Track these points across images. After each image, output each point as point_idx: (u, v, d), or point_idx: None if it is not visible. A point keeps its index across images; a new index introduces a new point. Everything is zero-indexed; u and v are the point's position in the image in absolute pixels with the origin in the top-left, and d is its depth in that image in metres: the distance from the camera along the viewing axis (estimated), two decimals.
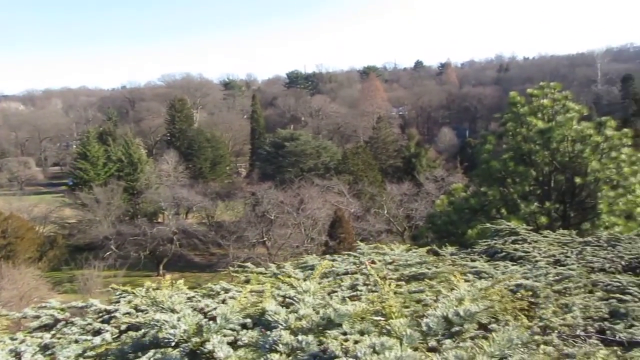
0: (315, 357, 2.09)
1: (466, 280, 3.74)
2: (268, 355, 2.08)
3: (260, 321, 2.53)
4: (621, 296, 4.42)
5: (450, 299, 2.29)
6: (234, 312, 2.54)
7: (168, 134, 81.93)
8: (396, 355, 1.87)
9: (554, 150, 15.81)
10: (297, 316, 2.31)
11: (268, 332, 2.25)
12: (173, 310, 2.68)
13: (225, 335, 2.55)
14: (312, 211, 43.12)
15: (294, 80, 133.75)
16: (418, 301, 3.24)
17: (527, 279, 4.22)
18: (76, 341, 3.50)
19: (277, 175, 58.66)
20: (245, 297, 3.13)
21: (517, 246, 6.81)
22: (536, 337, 2.89)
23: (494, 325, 2.71)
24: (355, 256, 5.26)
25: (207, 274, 41.11)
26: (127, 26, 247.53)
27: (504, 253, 6.55)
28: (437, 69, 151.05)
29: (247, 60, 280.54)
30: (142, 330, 3.05)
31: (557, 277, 4.51)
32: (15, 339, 3.54)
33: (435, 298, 3.27)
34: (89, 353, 3.33)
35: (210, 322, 2.44)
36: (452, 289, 2.56)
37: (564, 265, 5.38)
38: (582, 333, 3.30)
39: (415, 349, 2.04)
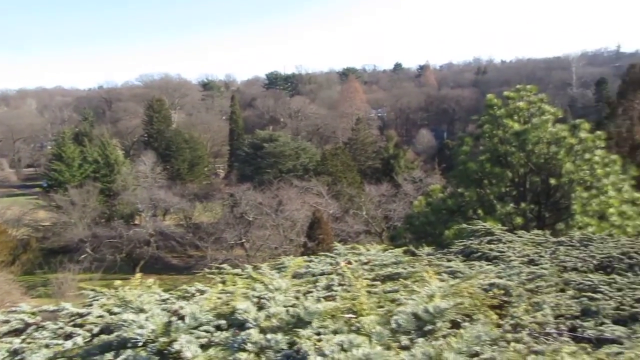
0: (289, 358, 2.08)
1: (441, 280, 3.77)
2: (237, 355, 2.06)
3: (233, 321, 2.50)
4: (592, 294, 4.49)
5: (420, 296, 2.30)
6: (203, 311, 2.51)
7: (146, 135, 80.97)
8: (364, 352, 1.87)
9: (529, 152, 16.04)
10: (267, 314, 2.29)
11: (240, 332, 2.23)
12: (142, 310, 2.64)
13: (199, 337, 2.52)
14: (291, 212, 43.03)
15: (273, 81, 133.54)
16: (392, 300, 3.25)
17: (501, 278, 4.28)
18: (47, 346, 3.43)
19: (256, 176, 58.42)
20: (215, 297, 3.10)
21: (492, 246, 6.89)
22: (507, 335, 2.93)
23: (466, 324, 2.73)
24: (332, 257, 5.27)
25: (185, 276, 40.71)
26: (105, 26, 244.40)
27: (479, 253, 6.62)
28: (416, 71, 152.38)
29: (226, 60, 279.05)
30: (115, 333, 3.01)
31: (529, 276, 4.58)
32: None
33: (409, 297, 3.28)
34: (60, 358, 3.26)
35: (179, 321, 2.40)
36: (423, 286, 2.57)
37: (537, 265, 5.45)
38: (553, 331, 3.35)
39: (388, 348, 2.04)
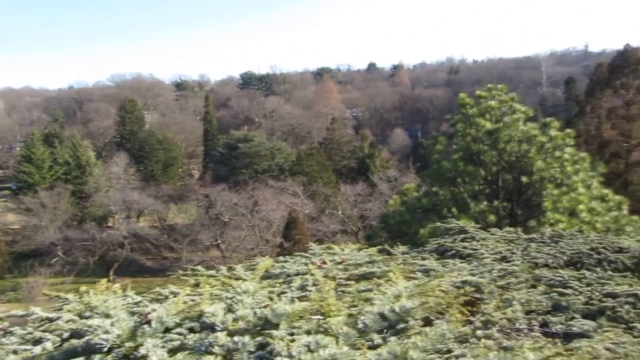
0: (262, 359, 2.07)
1: (414, 278, 3.80)
2: (204, 358, 2.04)
3: (200, 324, 2.48)
4: (563, 290, 4.58)
5: (387, 296, 2.31)
6: (170, 315, 2.49)
7: (118, 136, 79.74)
8: (330, 353, 1.87)
9: (501, 150, 16.26)
10: (234, 317, 2.28)
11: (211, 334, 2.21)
12: (107, 316, 2.60)
13: (172, 340, 2.50)
14: (267, 213, 42.91)
15: (248, 81, 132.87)
16: (366, 300, 3.26)
17: (474, 275, 4.33)
18: (15, 351, 3.35)
19: (231, 177, 58.06)
20: (182, 300, 3.07)
21: (466, 244, 6.97)
22: (478, 332, 2.97)
23: (438, 322, 2.76)
24: (307, 257, 5.27)
25: (160, 279, 40.24)
26: (74, 26, 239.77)
27: (453, 251, 6.68)
28: (390, 70, 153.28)
29: (200, 60, 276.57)
30: (85, 338, 2.96)
31: (500, 273, 4.64)
32: None
33: (378, 297, 3.31)
34: None
35: (145, 325, 2.38)
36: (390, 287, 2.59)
37: (509, 262, 5.54)
38: (524, 326, 3.41)
39: (357, 348, 2.05)
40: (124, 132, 77.33)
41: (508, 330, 3.18)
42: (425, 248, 7.25)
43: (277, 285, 4.03)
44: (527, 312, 3.85)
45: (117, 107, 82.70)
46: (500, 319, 3.30)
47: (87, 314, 3.59)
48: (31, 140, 63.30)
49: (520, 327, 3.37)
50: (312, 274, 4.00)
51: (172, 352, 2.30)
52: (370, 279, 3.97)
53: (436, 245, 7.19)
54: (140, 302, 3.87)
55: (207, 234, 43.50)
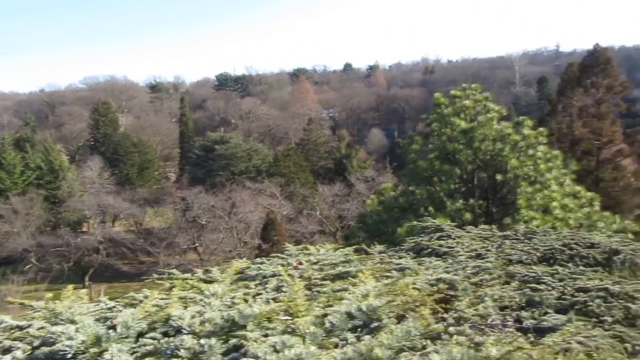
0: None
1: (387, 277, 3.83)
2: None
3: (167, 328, 2.46)
4: (536, 286, 4.66)
5: (355, 295, 2.32)
6: (136, 319, 2.46)
7: (92, 139, 78.45)
8: (296, 352, 1.87)
9: (476, 149, 16.44)
10: (201, 320, 2.26)
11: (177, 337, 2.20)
12: (72, 322, 2.56)
13: (145, 345, 2.47)
14: (244, 215, 42.72)
15: (224, 82, 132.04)
16: (341, 299, 3.27)
17: (448, 272, 4.37)
18: None
19: (208, 179, 57.67)
20: (149, 304, 3.04)
21: (442, 242, 7.02)
22: (450, 328, 3.00)
23: (417, 321, 2.78)
24: (283, 258, 5.26)
25: (137, 283, 39.72)
26: (46, 28, 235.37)
27: (429, 249, 6.74)
28: (366, 71, 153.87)
29: (175, 62, 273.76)
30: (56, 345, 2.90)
31: (474, 270, 4.70)
32: None
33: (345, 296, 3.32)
34: None
35: (110, 331, 2.34)
36: (360, 286, 2.60)
37: (484, 259, 5.61)
38: (498, 322, 3.46)
39: (326, 347, 2.05)
40: (97, 136, 76.12)
41: (482, 327, 3.22)
42: (402, 247, 7.29)
43: (253, 286, 4.02)
44: (502, 308, 3.90)
45: (90, 110, 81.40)
46: (473, 316, 3.35)
47: (53, 320, 3.53)
48: (2, 145, 61.84)
49: (494, 322, 3.41)
50: (289, 275, 3.99)
51: (140, 357, 2.27)
52: (345, 278, 3.98)
53: (413, 244, 7.24)
54: (114, 307, 3.82)
55: (185, 237, 43.14)
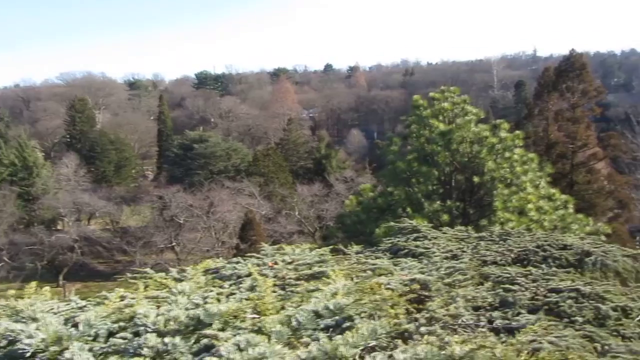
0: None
1: (361, 276, 3.83)
2: None
3: (132, 326, 2.42)
4: (510, 286, 4.70)
5: (324, 294, 2.32)
6: (100, 317, 2.42)
7: (68, 136, 77.21)
8: (260, 351, 1.86)
9: (454, 151, 16.58)
10: (166, 318, 2.23)
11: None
12: (33, 319, 2.50)
13: (115, 345, 2.43)
14: (223, 214, 42.49)
15: (203, 81, 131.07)
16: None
17: (423, 273, 4.40)
18: None
19: (186, 178, 57.26)
20: (113, 302, 3.00)
21: (418, 243, 7.05)
22: (421, 328, 3.02)
23: (382, 320, 2.79)
24: (259, 258, 5.23)
25: (112, 283, 39.20)
26: (22, 24, 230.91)
27: (406, 250, 6.76)
28: (346, 72, 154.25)
29: (154, 60, 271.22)
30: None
31: (448, 271, 4.74)
32: None
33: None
34: None
35: (72, 329, 2.30)
36: (329, 285, 2.60)
37: (459, 260, 5.65)
38: (468, 322, 3.49)
39: (291, 346, 2.04)
40: (74, 132, 74.97)
41: (454, 327, 3.25)
42: (379, 247, 7.31)
43: (227, 286, 3.99)
44: (475, 309, 3.93)
45: (66, 106, 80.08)
46: (444, 316, 3.37)
47: (14, 318, 3.45)
48: None
49: (466, 322, 3.44)
50: (263, 275, 3.98)
51: (102, 355, 2.23)
52: (320, 278, 3.98)
53: (390, 245, 7.25)
54: (85, 306, 3.76)
55: (162, 236, 42.76)
